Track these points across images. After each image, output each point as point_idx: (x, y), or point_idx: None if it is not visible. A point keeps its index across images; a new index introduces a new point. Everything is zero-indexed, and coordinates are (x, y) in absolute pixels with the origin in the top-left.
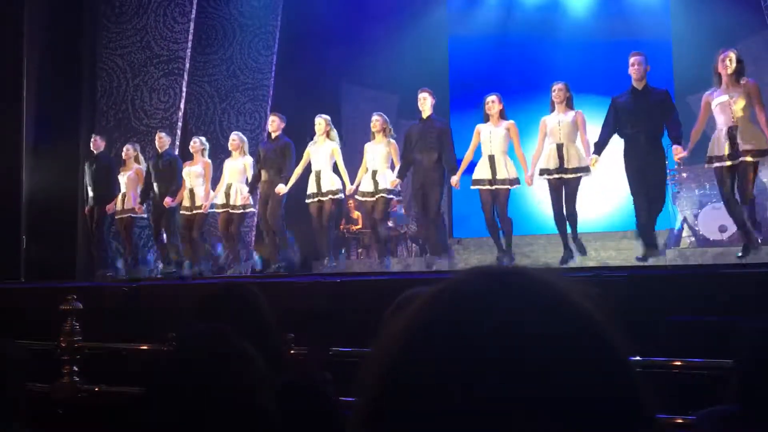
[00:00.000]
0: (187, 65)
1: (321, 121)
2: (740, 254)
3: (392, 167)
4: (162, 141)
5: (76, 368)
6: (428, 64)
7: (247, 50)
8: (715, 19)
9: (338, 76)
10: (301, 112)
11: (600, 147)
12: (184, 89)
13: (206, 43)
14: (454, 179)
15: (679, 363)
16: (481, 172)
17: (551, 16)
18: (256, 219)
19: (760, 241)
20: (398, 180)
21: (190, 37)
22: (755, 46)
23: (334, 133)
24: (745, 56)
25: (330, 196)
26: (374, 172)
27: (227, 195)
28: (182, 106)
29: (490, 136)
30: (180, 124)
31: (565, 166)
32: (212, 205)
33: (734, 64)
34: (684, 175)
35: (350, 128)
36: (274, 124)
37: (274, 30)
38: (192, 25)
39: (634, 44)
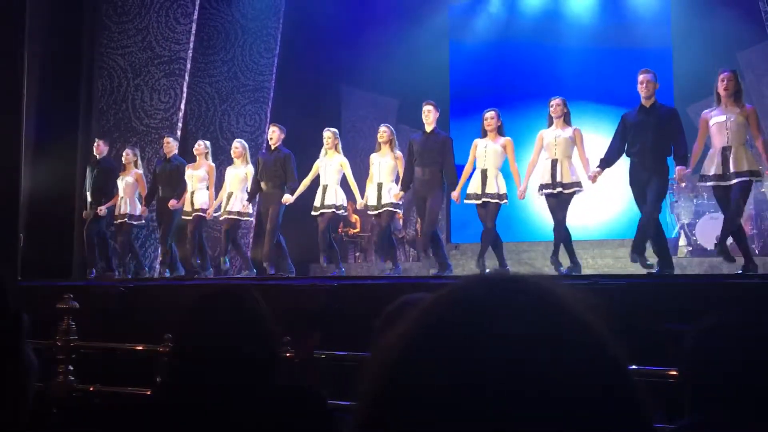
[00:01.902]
0: (189, 66)
1: (329, 135)
2: (740, 271)
3: (397, 179)
4: (169, 146)
5: (71, 367)
6: (429, 70)
7: (248, 52)
8: (715, 29)
9: (339, 80)
10: (301, 114)
11: (605, 163)
12: (185, 90)
13: (208, 45)
14: (455, 194)
15: (675, 372)
16: (473, 186)
17: (552, 23)
18: (254, 224)
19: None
20: (402, 193)
21: (192, 38)
22: (755, 55)
23: (341, 146)
24: (744, 65)
25: (333, 210)
26: (380, 185)
27: (228, 202)
28: (183, 106)
29: (486, 151)
30: (180, 124)
31: (558, 180)
32: (215, 211)
33: (732, 85)
34: (682, 184)
35: (350, 131)
36: (274, 135)
37: (276, 32)
38: (194, 26)
39: (634, 53)
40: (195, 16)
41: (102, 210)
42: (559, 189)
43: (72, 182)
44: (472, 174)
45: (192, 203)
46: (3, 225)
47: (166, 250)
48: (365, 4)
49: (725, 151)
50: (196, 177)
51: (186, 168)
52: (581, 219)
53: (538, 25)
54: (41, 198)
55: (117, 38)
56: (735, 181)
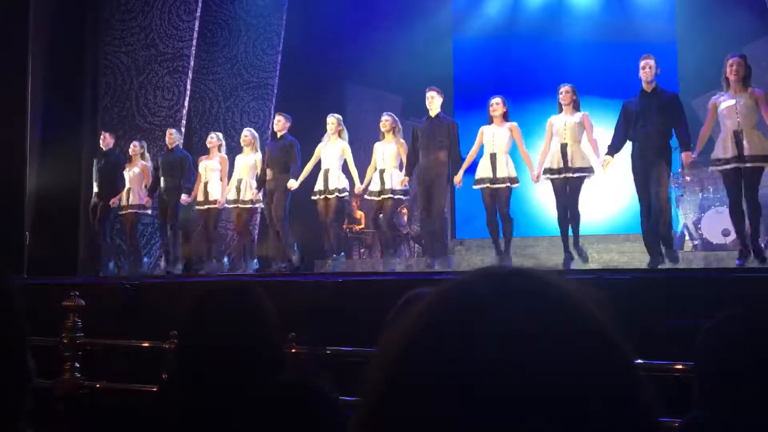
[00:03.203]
0: (192, 63)
1: (333, 120)
2: (739, 261)
3: (401, 166)
4: (172, 137)
5: (77, 364)
6: (432, 65)
7: (252, 49)
8: (719, 22)
9: (342, 76)
10: (305, 111)
11: (613, 149)
12: (189, 87)
13: (211, 42)
14: (457, 178)
15: (680, 366)
16: (483, 170)
17: (556, 18)
18: (259, 217)
19: (764, 246)
20: (407, 178)
21: (195, 35)
22: (760, 49)
23: (345, 132)
24: (750, 59)
25: (336, 194)
26: (382, 171)
27: (238, 190)
28: (186, 104)
29: (493, 136)
30: (184, 122)
31: (569, 165)
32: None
33: (742, 69)
34: (687, 178)
35: (354, 128)
36: (279, 124)
37: (279, 29)
38: (197, 23)
39: (638, 47)
40: (198, 13)
41: (114, 202)
42: (568, 174)
43: (77, 180)
44: (479, 159)
45: (206, 195)
46: (9, 223)
47: (175, 241)
48: (368, 0)
49: (737, 135)
50: (210, 167)
51: (200, 160)
52: (587, 214)
53: (542, 19)
54: (47, 196)
55: (120, 36)
56: (749, 165)
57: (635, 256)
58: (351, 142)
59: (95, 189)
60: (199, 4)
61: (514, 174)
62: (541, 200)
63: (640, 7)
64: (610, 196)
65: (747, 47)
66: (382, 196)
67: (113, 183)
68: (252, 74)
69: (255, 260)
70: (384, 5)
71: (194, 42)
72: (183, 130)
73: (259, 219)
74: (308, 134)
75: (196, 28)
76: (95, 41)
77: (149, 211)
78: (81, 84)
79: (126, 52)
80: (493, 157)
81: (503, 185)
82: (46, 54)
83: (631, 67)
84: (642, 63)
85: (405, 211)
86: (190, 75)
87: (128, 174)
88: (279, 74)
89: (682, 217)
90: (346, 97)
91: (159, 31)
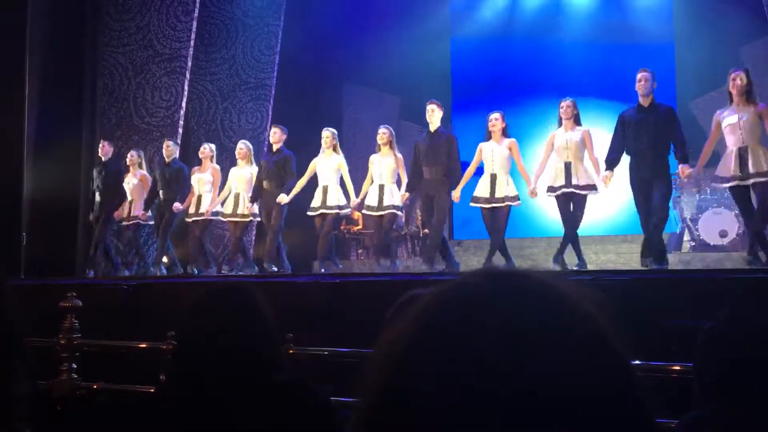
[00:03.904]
0: (190, 64)
1: (328, 135)
2: (750, 259)
3: (398, 182)
4: (169, 149)
5: (74, 365)
6: (430, 66)
7: (249, 49)
8: (717, 23)
9: (340, 77)
10: (303, 111)
11: (612, 164)
12: (186, 88)
13: (209, 42)
14: (455, 193)
15: (678, 367)
16: (481, 189)
17: (554, 18)
18: (255, 231)
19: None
20: (408, 194)
21: (193, 35)
22: (757, 50)
23: (339, 147)
24: (747, 60)
25: (336, 210)
26: (381, 187)
27: (236, 204)
28: (184, 104)
29: (492, 154)
30: (182, 122)
31: (573, 182)
32: (215, 213)
33: (744, 84)
34: (685, 179)
35: (351, 129)
36: (275, 136)
37: (277, 29)
38: (195, 23)
39: (636, 47)
40: (195, 14)
41: (118, 215)
42: (572, 189)
43: (75, 180)
44: (480, 176)
45: (198, 207)
46: (6, 224)
47: (162, 246)
48: (366, 1)
49: (741, 152)
50: (203, 180)
51: (192, 172)
52: (584, 215)
53: (539, 20)
54: (44, 196)
55: (118, 36)
56: (755, 180)
57: (633, 258)
58: (349, 146)
59: (97, 199)
60: (197, 5)
61: (514, 193)
62: (539, 202)
63: (638, 7)
64: (608, 198)
65: (744, 48)
66: (381, 212)
67: (116, 193)
68: (250, 75)
69: (253, 267)
70: (381, 6)
71: (192, 43)
72: (180, 131)
73: (254, 232)
74: (304, 135)
75: (194, 29)
76: (93, 41)
77: (151, 222)
78: (79, 84)
79: (123, 52)
80: (493, 177)
81: (502, 204)
82: (43, 54)
83: (628, 68)
84: (638, 76)
85: (402, 212)
86: (187, 75)
87: (128, 186)
88: (277, 75)
89: (680, 217)
90: (344, 98)
91: (156, 31)
